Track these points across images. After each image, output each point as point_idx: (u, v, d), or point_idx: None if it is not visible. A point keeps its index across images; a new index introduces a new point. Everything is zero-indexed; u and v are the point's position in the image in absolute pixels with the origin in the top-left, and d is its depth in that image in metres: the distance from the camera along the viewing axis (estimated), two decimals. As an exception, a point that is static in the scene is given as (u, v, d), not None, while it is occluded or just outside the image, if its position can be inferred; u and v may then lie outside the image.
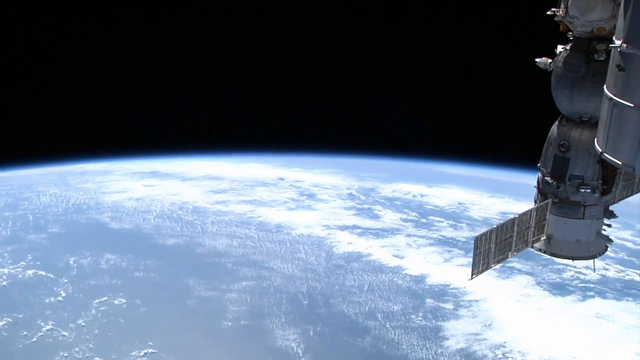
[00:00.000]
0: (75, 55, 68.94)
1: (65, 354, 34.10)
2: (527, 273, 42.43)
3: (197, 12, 72.46)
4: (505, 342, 35.90)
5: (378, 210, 56.14)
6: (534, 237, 10.43)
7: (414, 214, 55.37)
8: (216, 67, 72.13)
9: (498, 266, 10.47)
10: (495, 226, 9.92)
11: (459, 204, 58.32)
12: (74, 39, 68.48)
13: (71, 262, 44.62)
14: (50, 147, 67.87)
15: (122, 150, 71.05)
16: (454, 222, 53.35)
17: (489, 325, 37.67)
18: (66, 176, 65.73)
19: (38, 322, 36.98)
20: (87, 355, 34.13)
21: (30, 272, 43.06)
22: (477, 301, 39.94)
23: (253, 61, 72.31)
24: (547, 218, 10.40)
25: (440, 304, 39.93)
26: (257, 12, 71.27)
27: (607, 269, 41.67)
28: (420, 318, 38.49)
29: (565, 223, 10.32)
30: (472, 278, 10.09)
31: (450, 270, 43.84)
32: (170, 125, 71.29)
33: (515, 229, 10.09)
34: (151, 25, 69.85)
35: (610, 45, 7.06)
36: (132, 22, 70.17)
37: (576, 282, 41.54)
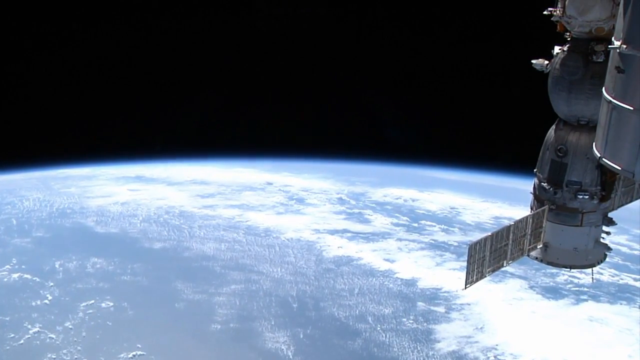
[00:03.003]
0: (58, 59, 68.10)
1: (54, 356, 34.04)
2: (520, 277, 42.47)
3: (182, 14, 71.91)
4: (497, 345, 35.90)
5: (368, 215, 55.84)
6: (530, 245, 10.15)
7: (405, 218, 55.10)
8: (202, 69, 71.63)
9: (492, 275, 10.19)
10: (489, 234, 9.63)
11: (451, 208, 58.06)
12: (55, 43, 67.83)
13: (57, 265, 44.29)
14: (32, 152, 67.13)
15: (105, 156, 70.30)
16: (446, 227, 53.11)
17: (481, 328, 37.65)
18: (49, 181, 65.09)
19: (25, 325, 36.79)
20: (76, 357, 34.07)
21: (15, 275, 42.78)
22: (469, 304, 39.89)
23: (240, 63, 71.73)
24: (543, 225, 10.12)
25: (432, 307, 39.84)
26: (243, 12, 70.77)
27: (602, 273, 41.67)
28: (411, 321, 38.41)
29: (563, 230, 10.03)
30: (466, 287, 9.82)
31: (442, 274, 43.72)
32: (155, 129, 70.48)
33: (510, 237, 9.82)
34: (134, 28, 69.21)
35: (609, 46, 6.84)
36: (115, 25, 69.52)
37: (570, 286, 41.59)
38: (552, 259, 10.31)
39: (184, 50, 71.17)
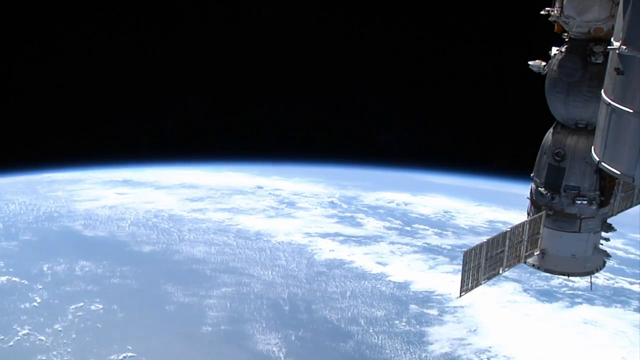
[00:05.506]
0: (44, 62, 67.60)
1: (44, 358, 34.11)
2: (514, 280, 42.48)
3: (170, 17, 71.37)
4: (490, 347, 35.99)
5: (360, 218, 55.80)
6: (526, 251, 9.92)
7: (398, 222, 55.08)
8: (192, 72, 71.16)
9: (489, 282, 9.95)
10: (485, 240, 9.38)
11: (445, 212, 58.03)
12: (41, 46, 67.32)
13: (45, 268, 44.10)
14: (17, 156, 66.45)
15: (91, 160, 69.63)
16: (439, 230, 53.12)
17: (474, 330, 37.74)
18: (35, 185, 64.62)
19: (14, 327, 36.78)
20: (66, 358, 34.20)
21: (3, 278, 42.60)
22: (462, 307, 39.84)
23: (230, 65, 71.23)
24: (540, 231, 9.88)
25: (425, 310, 39.87)
26: (231, 12, 70.31)
27: (597, 277, 41.69)
28: (404, 323, 38.45)
29: (560, 237, 9.80)
30: (461, 295, 9.57)
31: (435, 277, 43.69)
32: (143, 133, 69.86)
33: (506, 243, 9.59)
34: (121, 32, 68.77)
35: (608, 47, 6.59)
36: (101, 28, 69.09)
37: (564, 289, 41.77)
38: (550, 266, 10.09)
39: (172, 53, 70.87)
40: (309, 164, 70.51)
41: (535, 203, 9.95)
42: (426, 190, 63.99)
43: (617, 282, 42.33)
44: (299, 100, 69.44)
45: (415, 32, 63.95)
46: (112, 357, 34.14)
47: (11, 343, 35.29)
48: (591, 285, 10.58)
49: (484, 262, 9.44)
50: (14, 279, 42.48)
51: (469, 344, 36.28)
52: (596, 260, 10.06)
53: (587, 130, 9.14)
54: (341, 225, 53.88)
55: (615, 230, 9.91)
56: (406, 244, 49.92)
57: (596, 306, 39.87)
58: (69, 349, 34.87)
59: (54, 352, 34.54)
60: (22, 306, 39.27)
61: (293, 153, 70.37)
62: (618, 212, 10.43)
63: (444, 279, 42.43)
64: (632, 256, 45.59)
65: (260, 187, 65.36)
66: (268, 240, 50.26)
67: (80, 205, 58.15)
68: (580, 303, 40.20)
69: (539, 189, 9.77)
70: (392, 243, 50.11)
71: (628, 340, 35.53)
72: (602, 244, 10.02)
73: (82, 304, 39.61)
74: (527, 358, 34.86)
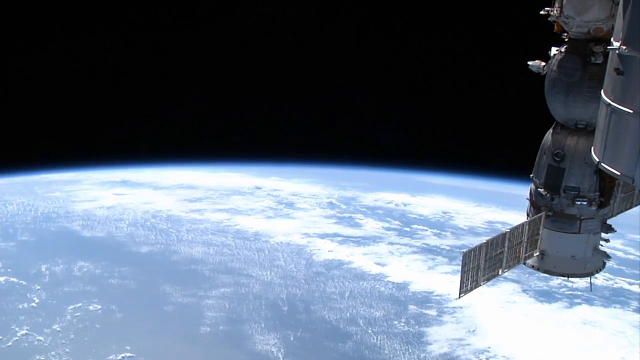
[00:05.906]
0: (41, 63, 67.10)
1: (42, 358, 34.13)
2: (512, 280, 42.48)
3: (169, 17, 71.04)
4: (489, 347, 36.01)
5: (359, 219, 55.69)
6: (526, 252, 9.86)
7: (397, 222, 55.01)
8: (190, 72, 70.89)
9: (488, 284, 9.88)
10: (484, 241, 9.33)
11: (444, 212, 57.95)
12: (37, 46, 67.00)
13: (43, 269, 44.01)
14: (15, 157, 66.06)
15: (89, 161, 69.28)
16: (438, 231, 53.04)
17: (473, 330, 37.75)
18: (32, 186, 64.29)
19: (12, 327, 36.80)
20: (64, 359, 34.22)
21: (1, 279, 42.52)
22: (461, 308, 39.83)
23: (228, 66, 70.90)
24: (540, 232, 9.83)
25: (424, 311, 39.89)
26: (230, 12, 70.07)
27: (596, 277, 41.69)
28: (402, 324, 38.46)
29: (560, 238, 9.74)
30: (460, 297, 9.51)
31: (434, 278, 43.73)
32: (141, 134, 69.53)
33: (506, 244, 9.53)
34: (119, 32, 68.45)
35: (608, 47, 6.57)
36: (99, 28, 68.82)
37: (563, 289, 41.78)
38: (549, 267, 10.03)
39: (170, 53, 70.65)
40: (308, 165, 70.32)
41: (535, 204, 9.90)
42: (425, 190, 63.86)
43: (616, 283, 42.35)
44: (298, 100, 69.19)
45: (415, 32, 63.76)
46: (111, 357, 34.17)
47: (10, 343, 35.29)
48: (591, 287, 10.52)
49: (483, 263, 9.38)
50: (12, 279, 42.42)
51: (468, 345, 36.33)
52: (596, 261, 10.00)
53: (587, 130, 9.10)
54: (340, 226, 53.82)
55: (615, 231, 9.86)
56: (405, 245, 49.91)
57: (595, 306, 39.93)
58: (67, 349, 34.87)
59: (53, 353, 34.54)
60: (21, 306, 39.23)
61: (292, 154, 70.13)
62: (618, 213, 10.39)
63: (443, 280, 42.55)
64: (631, 257, 45.70)
65: (258, 188, 65.09)
66: (267, 241, 50.21)
67: (78, 206, 57.96)
68: (580, 303, 40.27)
69: (539, 189, 9.72)
70: (391, 243, 50.09)
71: (627, 340, 35.60)
72: (601, 245, 9.97)
73: (80, 304, 39.58)
74: (526, 358, 34.86)
